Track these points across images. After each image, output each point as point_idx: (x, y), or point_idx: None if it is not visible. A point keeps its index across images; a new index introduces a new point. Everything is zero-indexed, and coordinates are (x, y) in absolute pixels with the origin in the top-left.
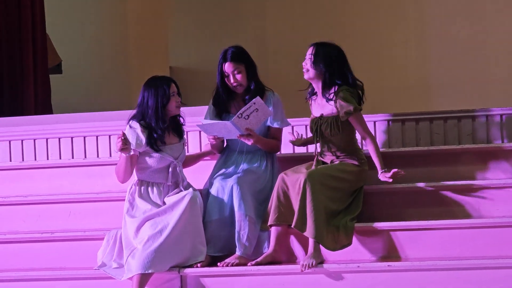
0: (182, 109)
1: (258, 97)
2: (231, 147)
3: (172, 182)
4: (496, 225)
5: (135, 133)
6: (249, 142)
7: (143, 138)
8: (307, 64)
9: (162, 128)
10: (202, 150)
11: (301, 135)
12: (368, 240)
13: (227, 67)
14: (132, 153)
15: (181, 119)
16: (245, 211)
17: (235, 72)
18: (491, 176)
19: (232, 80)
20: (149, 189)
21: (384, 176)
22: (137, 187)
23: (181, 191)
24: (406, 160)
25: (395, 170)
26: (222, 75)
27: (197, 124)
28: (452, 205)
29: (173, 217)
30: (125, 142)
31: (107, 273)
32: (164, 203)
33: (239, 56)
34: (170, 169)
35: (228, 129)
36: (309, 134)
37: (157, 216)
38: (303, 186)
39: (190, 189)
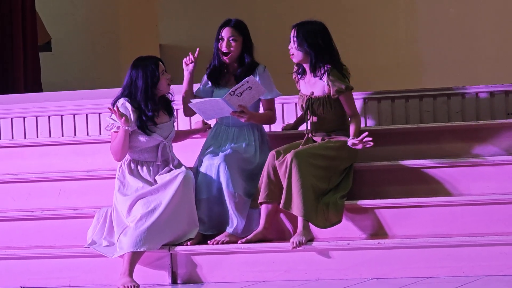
0: (171, 86)
1: (251, 76)
2: (219, 121)
3: (161, 161)
4: (485, 202)
5: (128, 111)
6: (243, 120)
7: (133, 118)
8: (292, 47)
9: (153, 109)
10: (192, 127)
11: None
12: (357, 217)
13: (226, 31)
14: (131, 126)
15: (170, 96)
16: (233, 189)
17: (231, 38)
18: (481, 153)
19: (225, 45)
20: (139, 167)
21: (351, 141)
22: (126, 165)
23: (172, 170)
24: (395, 137)
25: (365, 134)
26: (219, 41)
27: (189, 104)
28: (440, 183)
29: (166, 196)
30: (123, 114)
31: (97, 251)
32: (155, 181)
33: (241, 26)
34: (159, 149)
35: (220, 106)
36: (299, 113)
37: (149, 195)
38: (289, 166)
39: (183, 168)
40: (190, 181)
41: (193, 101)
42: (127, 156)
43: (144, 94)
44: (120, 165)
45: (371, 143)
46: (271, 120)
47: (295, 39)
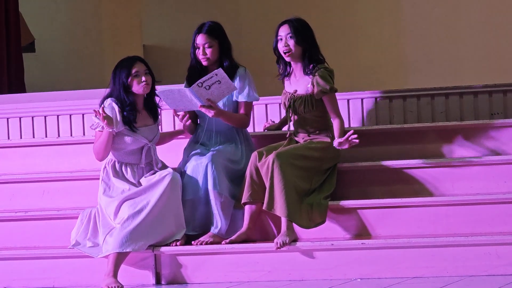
0: (157, 87)
1: (220, 69)
2: (202, 125)
3: (145, 163)
4: (469, 203)
5: (114, 112)
6: (210, 114)
7: (120, 118)
8: (289, 44)
9: (129, 109)
10: (176, 129)
11: (273, 121)
12: (341, 218)
13: (200, 39)
14: (116, 128)
15: (158, 99)
16: (219, 189)
17: (206, 45)
18: (464, 154)
19: (201, 53)
20: (123, 168)
21: (337, 141)
22: (111, 167)
23: (156, 172)
24: (379, 137)
25: (350, 133)
26: (195, 47)
27: (157, 92)
28: (424, 183)
29: (153, 197)
30: (107, 117)
31: (82, 252)
32: (139, 183)
33: (215, 31)
34: (143, 151)
35: (188, 98)
36: (283, 113)
37: (136, 196)
38: (271, 167)
39: (170, 169)
40: (177, 183)
41: (160, 87)
42: (111, 157)
43: (119, 94)
44: (104, 166)
45: (357, 141)
46: (244, 123)
47: (293, 34)
